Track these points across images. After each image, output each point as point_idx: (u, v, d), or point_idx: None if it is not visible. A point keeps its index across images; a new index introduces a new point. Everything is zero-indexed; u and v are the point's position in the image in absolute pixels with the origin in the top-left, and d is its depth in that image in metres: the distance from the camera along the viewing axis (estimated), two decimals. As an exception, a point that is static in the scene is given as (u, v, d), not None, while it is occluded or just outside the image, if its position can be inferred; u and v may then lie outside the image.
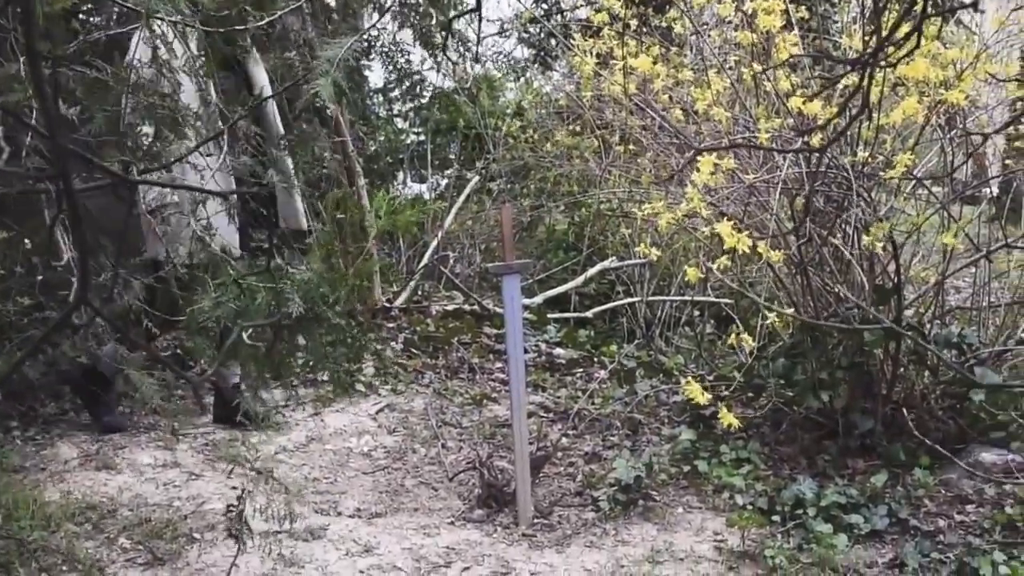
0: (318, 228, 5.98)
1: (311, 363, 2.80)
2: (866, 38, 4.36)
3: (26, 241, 3.83)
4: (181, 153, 2.91)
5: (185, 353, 5.52)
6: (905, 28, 1.59)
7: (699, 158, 4.10)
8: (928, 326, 4.85)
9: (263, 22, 2.81)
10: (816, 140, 4.23)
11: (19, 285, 3.65)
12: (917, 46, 1.61)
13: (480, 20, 2.55)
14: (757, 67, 4.68)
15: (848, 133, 4.54)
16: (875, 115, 4.42)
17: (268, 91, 4.61)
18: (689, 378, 4.61)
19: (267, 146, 4.03)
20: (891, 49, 1.59)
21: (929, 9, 1.57)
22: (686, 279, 4.79)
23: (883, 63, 1.63)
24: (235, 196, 4.21)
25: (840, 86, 4.62)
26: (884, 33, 1.54)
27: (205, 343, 2.45)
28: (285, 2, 2.95)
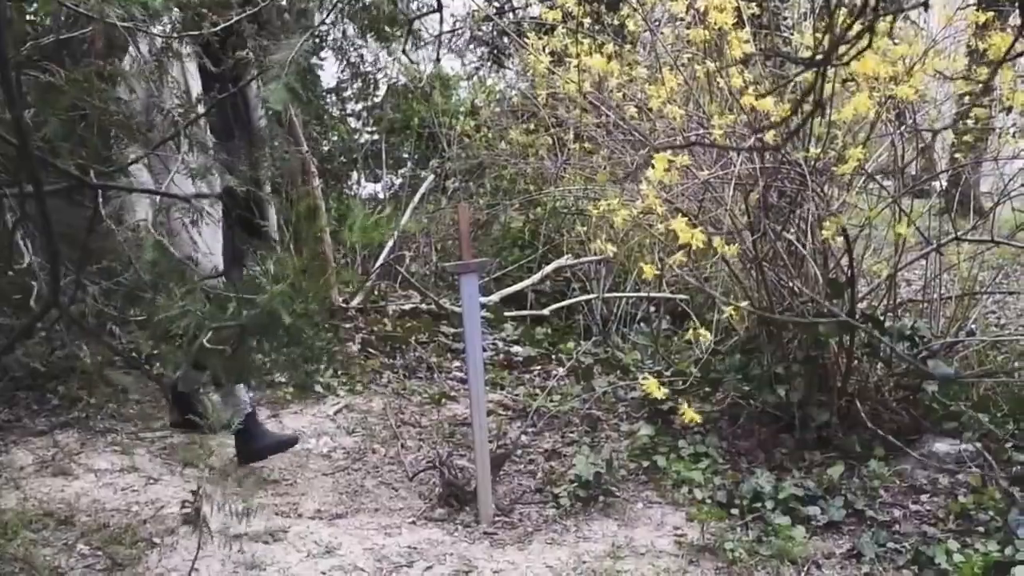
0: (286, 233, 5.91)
1: (271, 367, 2.80)
2: (817, 35, 4.41)
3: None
4: (132, 158, 2.89)
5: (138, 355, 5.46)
6: (857, 27, 1.61)
7: (654, 155, 4.12)
8: (881, 319, 4.91)
9: (218, 27, 2.79)
10: (770, 136, 4.27)
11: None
12: (869, 45, 1.63)
13: (442, 20, 2.55)
14: (711, 64, 4.72)
15: (801, 129, 4.58)
16: (827, 111, 4.48)
17: (256, 104, 4.58)
18: (647, 374, 4.63)
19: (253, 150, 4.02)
20: (843, 48, 1.62)
21: (880, 8, 1.59)
22: (642, 276, 4.81)
23: (836, 62, 1.66)
24: (220, 202, 4.18)
25: (792, 83, 4.67)
26: (837, 33, 1.56)
27: (171, 349, 2.43)
28: (240, 8, 2.93)
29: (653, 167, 4.13)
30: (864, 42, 1.64)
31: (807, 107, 1.84)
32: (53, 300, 1.22)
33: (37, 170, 1.17)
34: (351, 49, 9.63)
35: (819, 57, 1.69)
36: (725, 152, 4.82)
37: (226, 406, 4.59)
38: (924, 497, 4.46)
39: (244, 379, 2.76)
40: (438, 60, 9.23)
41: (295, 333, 2.53)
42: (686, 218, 4.17)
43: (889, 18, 3.90)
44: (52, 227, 1.25)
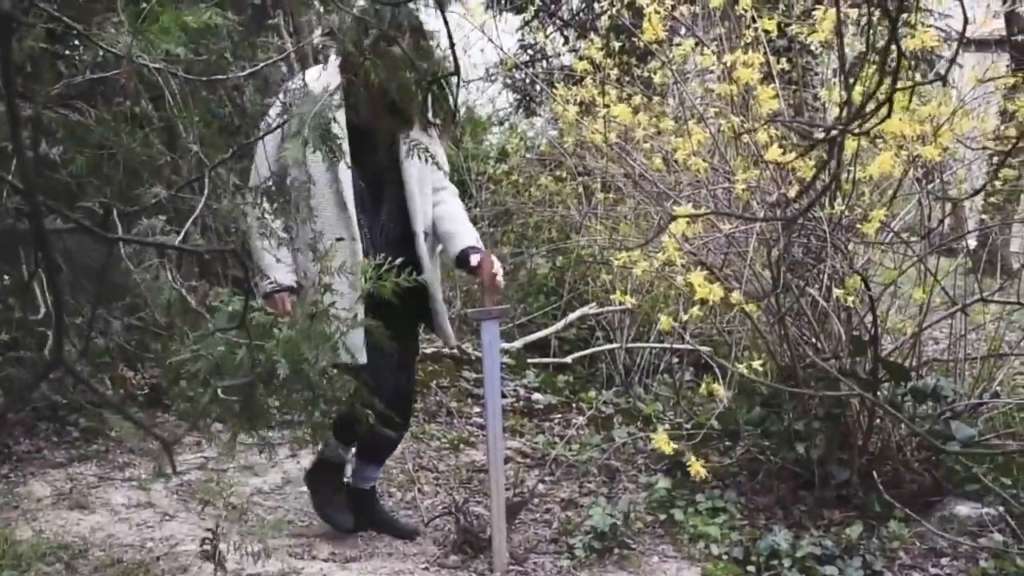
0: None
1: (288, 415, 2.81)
2: (839, 105, 4.43)
3: (5, 278, 3.83)
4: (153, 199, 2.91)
5: (159, 392, 5.48)
6: (879, 94, 1.63)
7: (676, 208, 4.14)
8: (906, 369, 4.87)
9: (245, 73, 2.82)
10: (794, 193, 4.27)
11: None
12: (888, 115, 1.64)
13: (458, 84, 2.55)
14: (736, 120, 4.73)
15: (820, 196, 4.58)
16: (852, 169, 4.48)
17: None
18: (658, 427, 4.60)
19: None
20: (863, 117, 1.63)
21: (897, 84, 1.60)
22: (662, 327, 4.81)
23: (854, 132, 1.67)
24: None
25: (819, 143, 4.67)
26: (855, 108, 1.58)
27: (185, 391, 2.44)
28: (266, 54, 2.98)
29: (675, 219, 4.15)
30: (882, 113, 1.65)
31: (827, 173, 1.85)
32: (58, 358, 1.23)
33: (42, 221, 1.18)
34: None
35: (837, 128, 1.70)
36: (750, 205, 4.82)
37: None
38: (944, 560, 4.40)
39: (257, 426, 2.75)
40: (455, 117, 9.26)
41: (303, 382, 2.53)
42: (707, 271, 4.17)
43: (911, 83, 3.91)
44: (61, 283, 1.26)
